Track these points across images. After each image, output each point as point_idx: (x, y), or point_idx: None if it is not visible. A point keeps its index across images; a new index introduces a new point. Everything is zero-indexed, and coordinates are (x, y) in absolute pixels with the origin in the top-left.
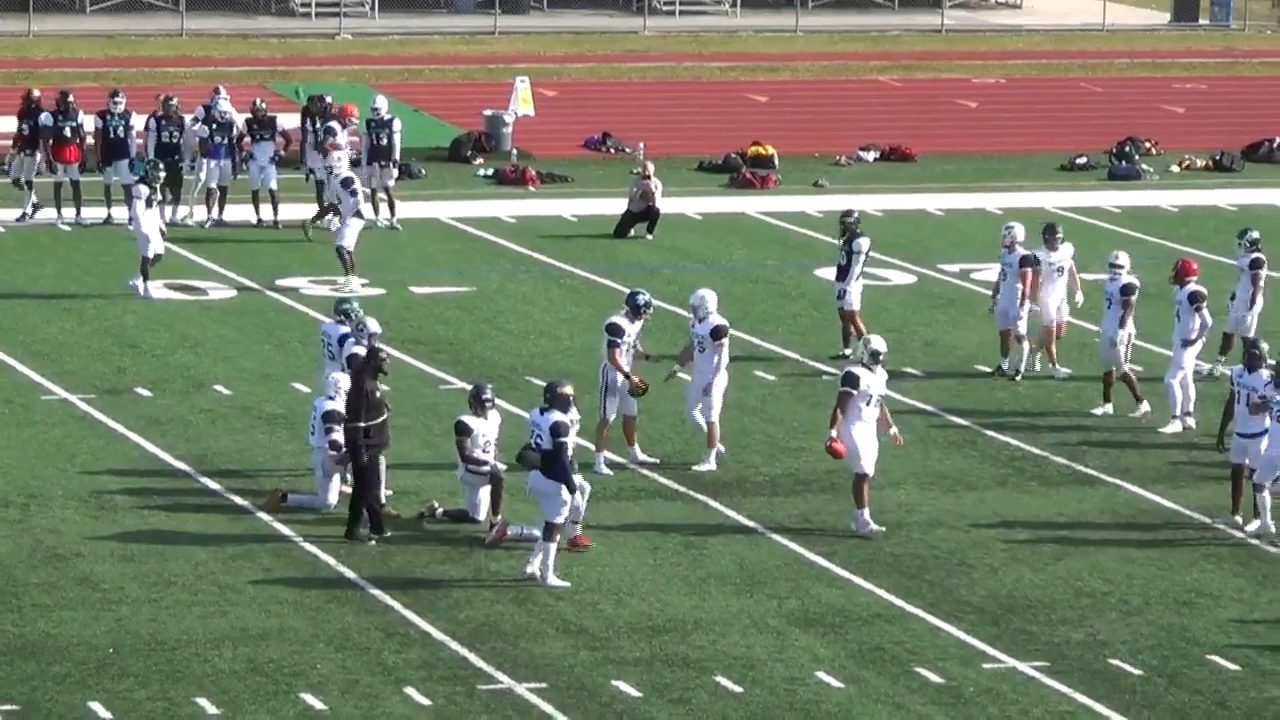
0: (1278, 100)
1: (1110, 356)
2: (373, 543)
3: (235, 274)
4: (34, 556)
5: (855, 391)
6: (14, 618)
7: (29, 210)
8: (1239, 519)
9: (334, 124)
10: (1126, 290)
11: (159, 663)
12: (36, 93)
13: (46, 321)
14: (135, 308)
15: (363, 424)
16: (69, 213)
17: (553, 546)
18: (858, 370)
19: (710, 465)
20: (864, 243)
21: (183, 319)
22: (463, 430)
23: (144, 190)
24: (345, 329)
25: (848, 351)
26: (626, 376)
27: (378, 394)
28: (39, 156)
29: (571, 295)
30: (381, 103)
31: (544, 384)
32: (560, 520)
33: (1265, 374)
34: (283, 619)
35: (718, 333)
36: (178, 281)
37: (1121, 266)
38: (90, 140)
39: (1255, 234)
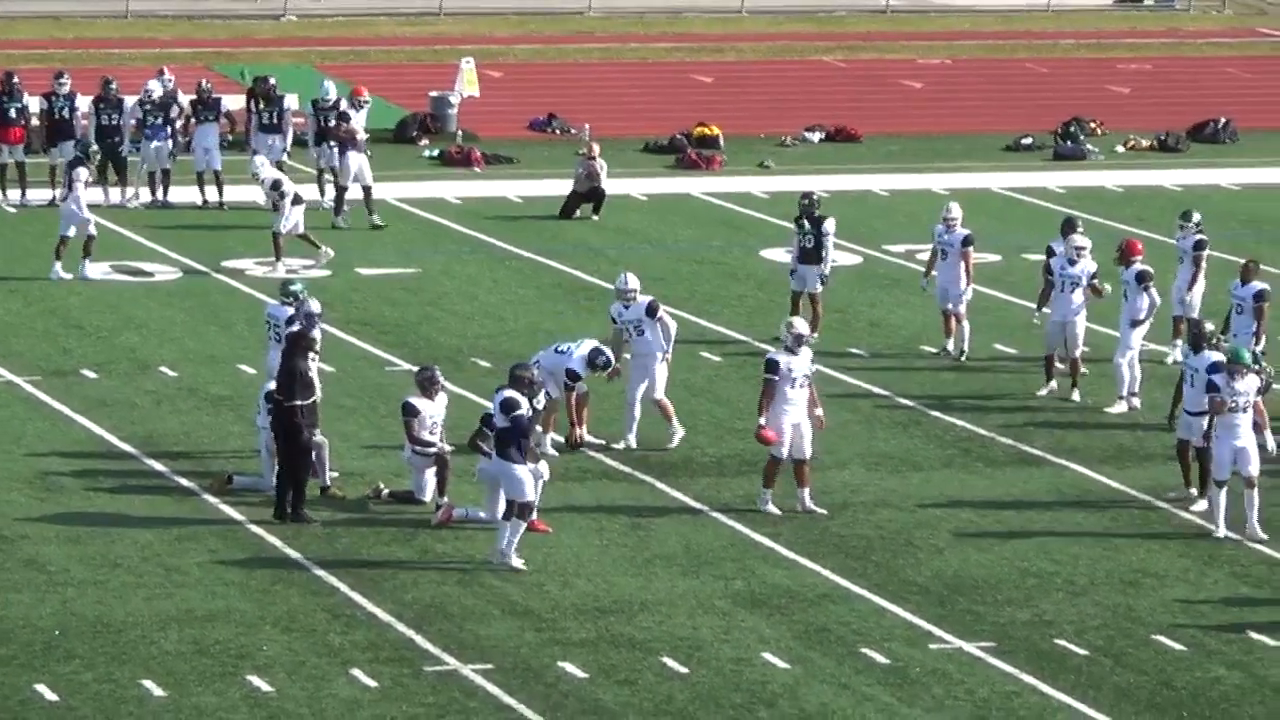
0: (1223, 81)
1: (1069, 340)
2: (318, 524)
3: (181, 256)
4: None
5: (777, 377)
6: None
7: None
8: (1194, 491)
9: (349, 109)
10: (1095, 275)
11: (105, 645)
12: None
13: None
14: (80, 289)
15: (298, 402)
16: (14, 194)
17: (521, 525)
18: (778, 355)
19: (680, 433)
20: (832, 223)
21: (128, 301)
22: (410, 411)
23: (84, 173)
24: (292, 310)
25: (815, 335)
26: (572, 425)
27: (309, 374)
28: None
29: (517, 277)
30: (329, 87)
31: (490, 365)
32: (528, 498)
33: (1209, 355)
34: (229, 601)
35: (652, 309)
36: (123, 263)
37: (1084, 248)
38: (35, 121)
39: (1199, 215)
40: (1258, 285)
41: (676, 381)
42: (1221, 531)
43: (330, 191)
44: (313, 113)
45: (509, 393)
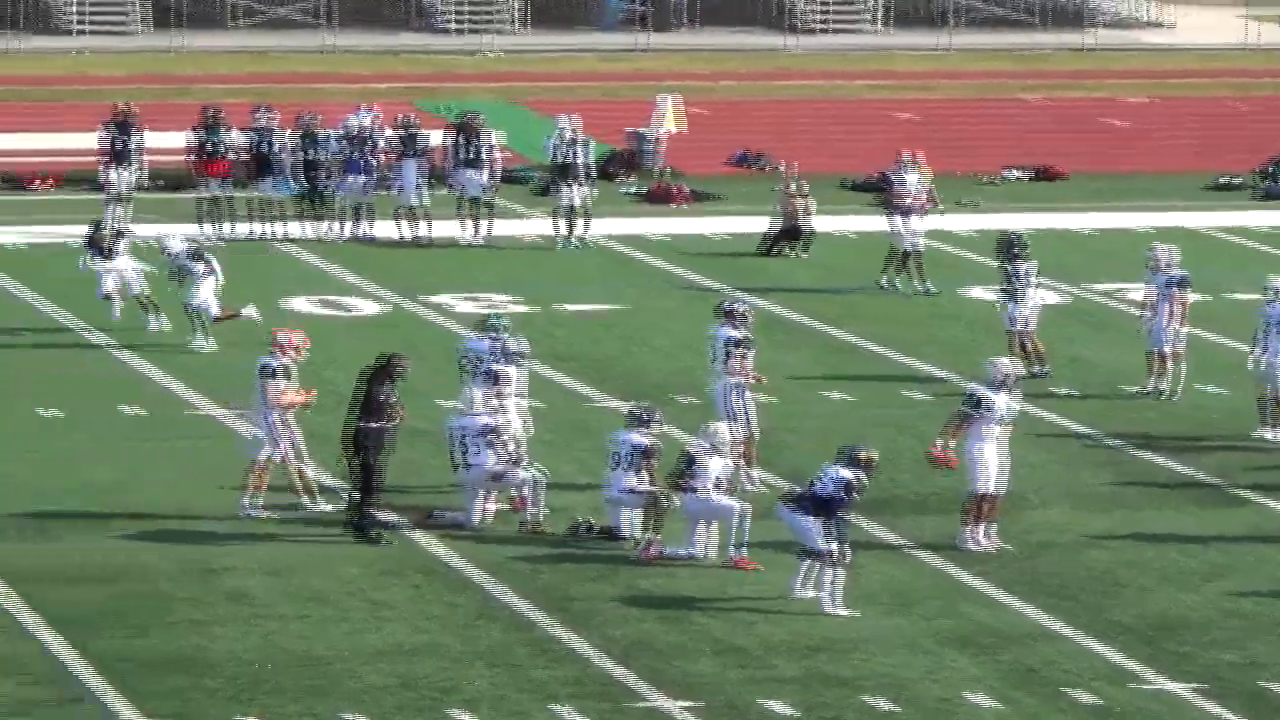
0: None
1: (1270, 379)
2: (385, 544)
3: (379, 289)
4: (184, 571)
5: (975, 413)
6: (164, 632)
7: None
8: None
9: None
10: None
11: (310, 678)
12: (124, 106)
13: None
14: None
15: (361, 423)
16: (225, 227)
17: (841, 574)
18: (982, 391)
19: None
20: (1028, 266)
21: (329, 335)
22: (651, 454)
23: (199, 267)
24: (489, 343)
25: (1036, 370)
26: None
27: (381, 398)
28: (123, 171)
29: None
30: (566, 120)
31: (693, 400)
32: (821, 548)
33: None
34: (433, 635)
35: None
36: (325, 298)
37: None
38: (239, 156)
39: None
40: None
41: (880, 419)
42: None
43: (563, 226)
44: (551, 149)
45: (849, 474)
